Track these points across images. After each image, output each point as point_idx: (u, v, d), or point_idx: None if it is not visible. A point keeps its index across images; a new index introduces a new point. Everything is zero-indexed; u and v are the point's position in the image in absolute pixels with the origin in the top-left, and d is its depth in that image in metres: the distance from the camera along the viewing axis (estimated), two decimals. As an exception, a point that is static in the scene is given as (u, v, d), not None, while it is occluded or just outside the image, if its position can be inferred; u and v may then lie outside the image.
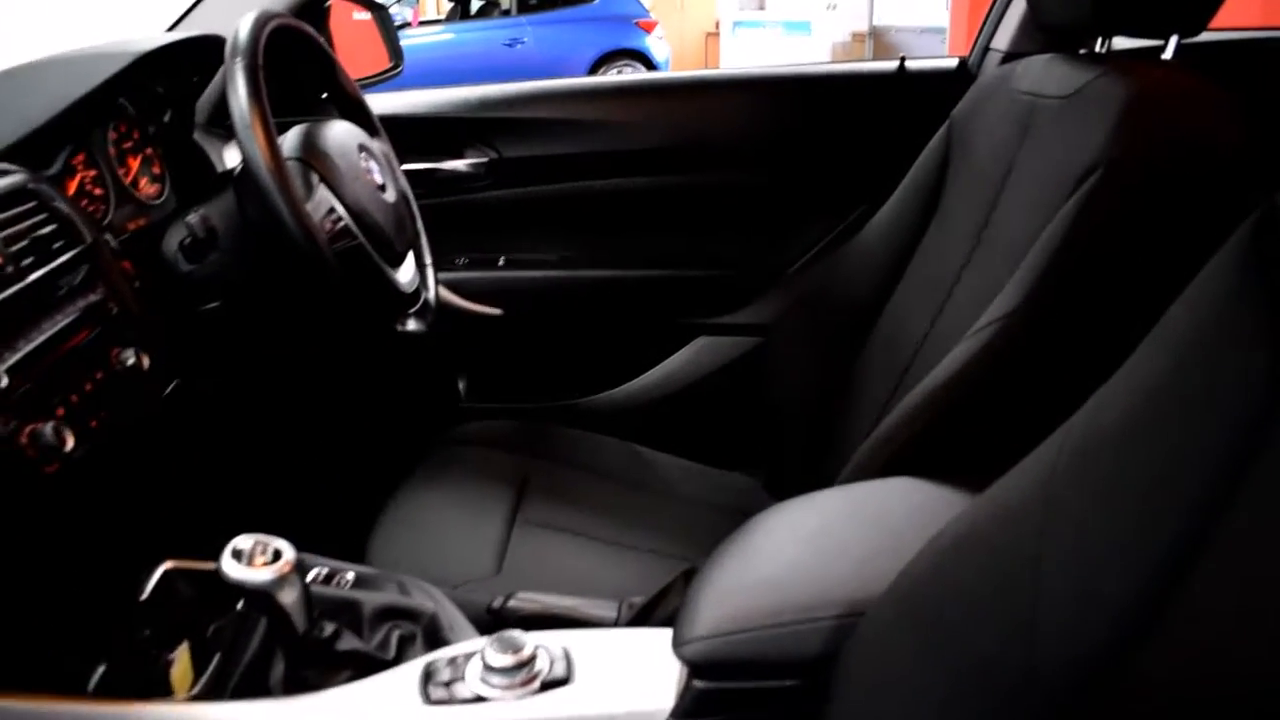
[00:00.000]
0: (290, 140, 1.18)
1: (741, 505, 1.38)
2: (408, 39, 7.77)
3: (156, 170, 1.27)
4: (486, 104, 1.77)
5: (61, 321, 0.95)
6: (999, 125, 1.21)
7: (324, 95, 1.40)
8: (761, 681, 0.75)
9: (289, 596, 0.80)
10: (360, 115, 1.37)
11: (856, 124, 1.73)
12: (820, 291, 1.52)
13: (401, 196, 1.34)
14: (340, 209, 1.17)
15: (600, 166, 1.76)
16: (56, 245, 0.98)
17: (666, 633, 0.79)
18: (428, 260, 1.41)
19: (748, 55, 10.68)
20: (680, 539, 1.30)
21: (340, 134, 1.25)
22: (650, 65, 9.35)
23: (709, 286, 1.77)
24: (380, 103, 1.68)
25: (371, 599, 0.91)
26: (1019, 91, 1.19)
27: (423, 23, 9.60)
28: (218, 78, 1.38)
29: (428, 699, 0.76)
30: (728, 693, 0.75)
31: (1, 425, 0.85)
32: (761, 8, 11.68)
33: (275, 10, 1.16)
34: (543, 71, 8.63)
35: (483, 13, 9.64)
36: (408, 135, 1.64)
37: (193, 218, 1.13)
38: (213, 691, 0.83)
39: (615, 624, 1.05)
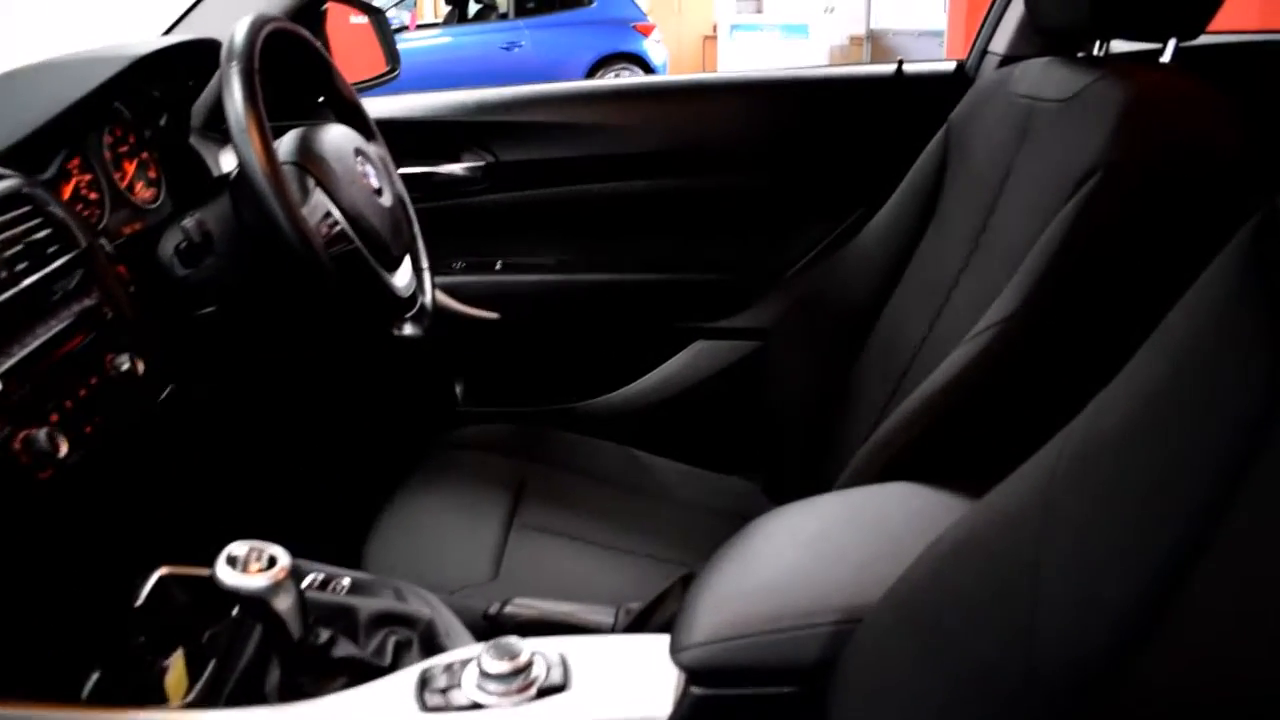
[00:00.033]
0: (286, 144, 1.18)
1: (740, 509, 1.38)
2: (404, 42, 7.79)
3: (152, 174, 1.26)
4: (483, 108, 1.77)
5: (56, 327, 0.94)
6: (997, 129, 1.21)
7: (320, 99, 1.40)
8: (760, 688, 0.75)
9: (284, 603, 0.80)
10: (356, 119, 1.37)
11: (854, 127, 1.72)
12: (818, 295, 1.52)
13: (398, 200, 1.34)
14: (336, 213, 1.16)
15: (598, 170, 1.75)
16: (51, 250, 0.97)
17: (664, 639, 0.78)
18: (424, 264, 1.40)
19: (745, 58, 10.70)
20: (678, 543, 1.30)
21: (336, 138, 1.24)
22: (648, 69, 9.35)
23: (707, 290, 1.77)
24: (377, 106, 1.68)
25: (367, 605, 0.91)
26: (1017, 95, 1.19)
27: (420, 26, 9.61)
28: (214, 82, 1.37)
29: (424, 706, 0.76)
30: (726, 699, 0.75)
31: None
32: (759, 11, 11.69)
33: (271, 14, 1.15)
34: (540, 75, 8.60)
35: (480, 16, 9.64)
36: (404, 139, 1.64)
37: (188, 222, 1.13)
38: (207, 699, 0.83)
39: (612, 630, 1.05)
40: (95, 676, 0.88)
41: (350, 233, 1.17)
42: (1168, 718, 0.42)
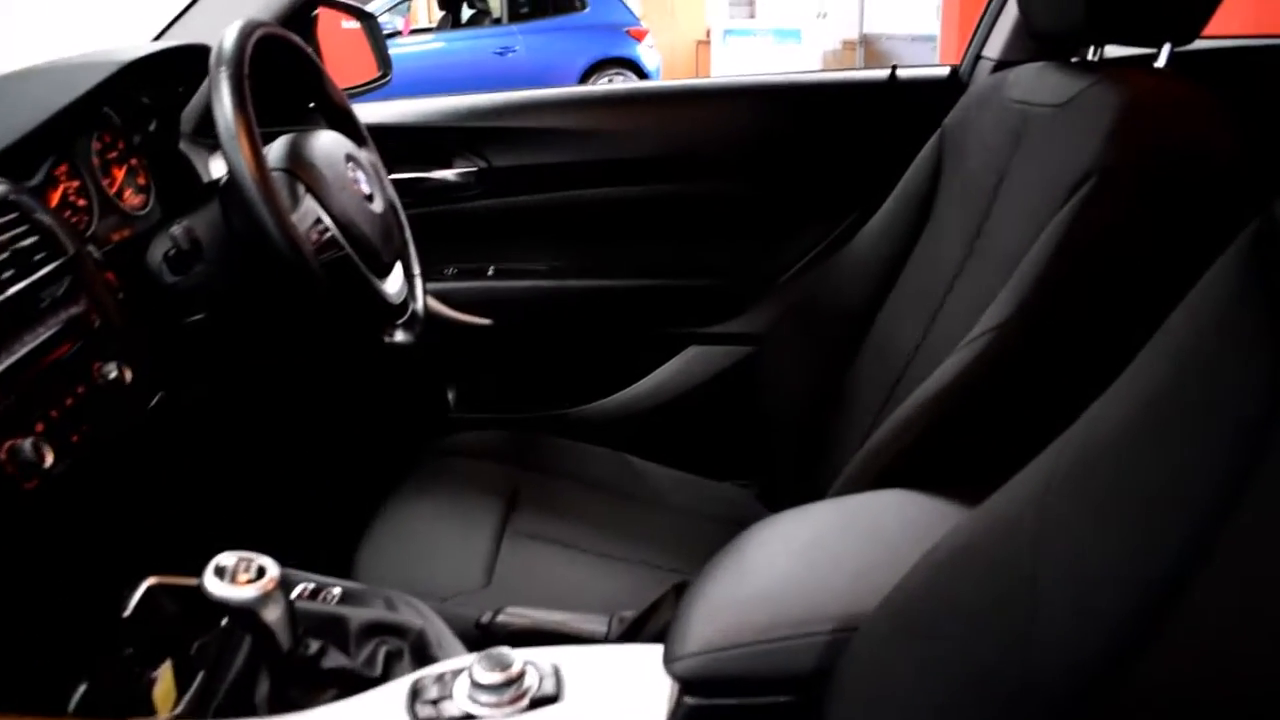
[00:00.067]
0: (276, 150, 1.17)
1: (734, 516, 1.38)
2: (398, 48, 7.80)
3: (141, 181, 1.26)
4: (476, 113, 1.76)
5: (43, 335, 0.93)
6: (991, 134, 1.21)
7: (311, 105, 1.39)
8: (754, 698, 0.74)
9: (273, 614, 0.79)
10: (347, 125, 1.36)
11: (848, 133, 1.72)
12: (812, 301, 1.51)
13: (389, 206, 1.33)
14: (326, 220, 1.16)
15: (591, 175, 1.75)
16: (38, 257, 0.97)
17: (657, 649, 0.78)
18: (416, 271, 1.40)
19: (739, 63, 10.72)
20: (672, 550, 1.29)
21: (327, 144, 1.24)
22: (641, 74, 9.36)
23: (700, 296, 1.77)
24: (369, 112, 1.68)
25: (358, 615, 0.90)
26: (1011, 100, 1.19)
27: (413, 31, 9.61)
28: (203, 87, 1.37)
29: (415, 717, 0.75)
30: (720, 709, 0.74)
31: None
32: (752, 16, 11.72)
33: (261, 19, 1.15)
34: (533, 80, 8.62)
35: (473, 21, 9.64)
36: (396, 144, 1.63)
37: (177, 229, 1.12)
38: (196, 711, 0.82)
39: (606, 639, 1.04)
40: (82, 688, 0.88)
41: (341, 239, 1.17)
42: (1168, 717, 0.42)
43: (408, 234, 1.40)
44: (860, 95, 1.74)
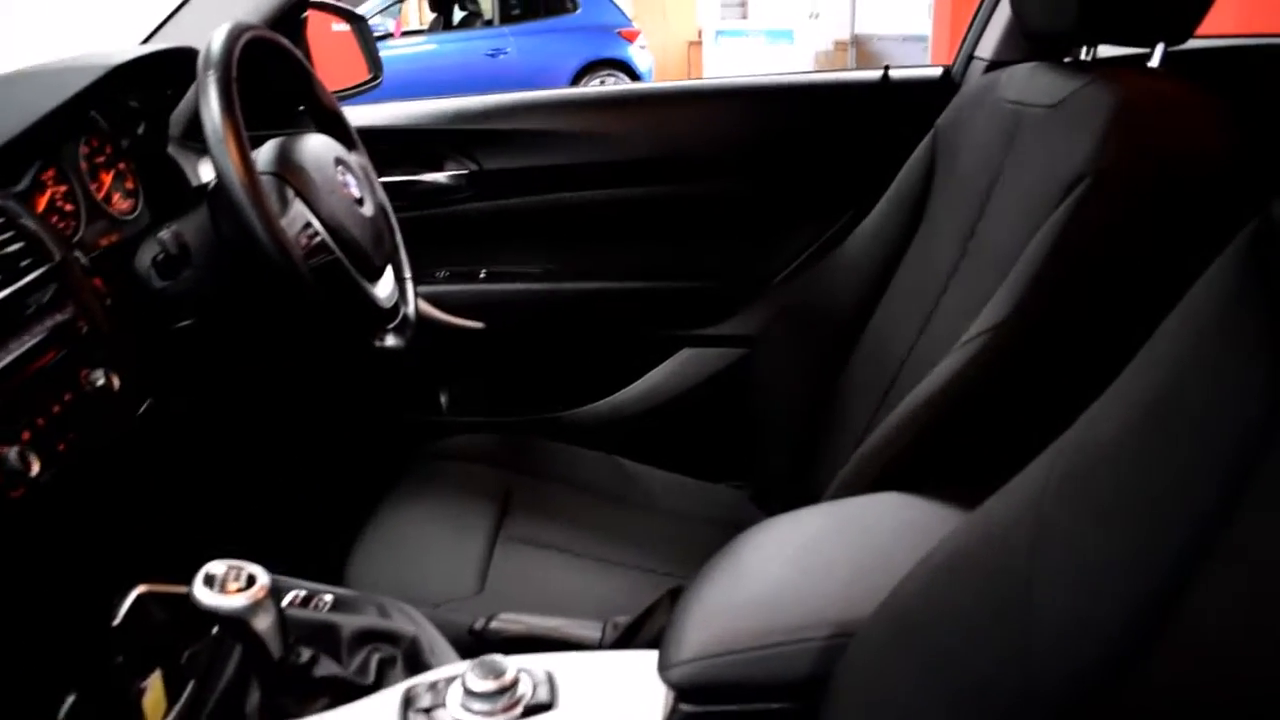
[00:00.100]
0: (265, 154, 1.16)
1: (729, 518, 1.37)
2: (389, 50, 7.78)
3: (130, 185, 1.25)
4: (467, 115, 1.76)
5: (29, 342, 0.92)
6: (984, 134, 1.21)
7: (300, 108, 1.39)
8: (750, 704, 0.74)
9: (263, 623, 0.78)
10: (337, 128, 1.36)
11: (841, 133, 1.72)
12: (806, 302, 1.51)
13: (380, 210, 1.32)
14: (316, 224, 1.15)
15: (583, 177, 1.74)
16: (24, 263, 0.96)
17: (652, 655, 0.77)
18: (407, 274, 1.39)
19: (731, 64, 10.71)
20: (666, 554, 1.29)
21: (316, 147, 1.23)
22: (633, 75, 9.37)
23: (693, 298, 1.76)
24: (359, 115, 1.67)
25: (350, 622, 0.89)
26: (1004, 100, 1.19)
27: (404, 33, 9.59)
28: (191, 91, 1.36)
29: (408, 726, 0.74)
30: (715, 716, 0.74)
31: None
32: (744, 17, 11.73)
33: (249, 22, 1.14)
34: (525, 82, 8.62)
35: (465, 23, 9.63)
36: (387, 147, 1.63)
37: (165, 234, 1.11)
38: (186, 721, 0.81)
39: (600, 645, 1.04)
40: (71, 699, 0.87)
41: (330, 243, 1.16)
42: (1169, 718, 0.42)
43: (398, 237, 1.40)
44: (853, 96, 1.74)
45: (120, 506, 1.15)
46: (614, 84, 8.44)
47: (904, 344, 1.22)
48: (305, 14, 1.56)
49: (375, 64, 1.74)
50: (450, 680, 0.77)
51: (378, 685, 0.85)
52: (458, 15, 9.66)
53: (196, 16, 1.38)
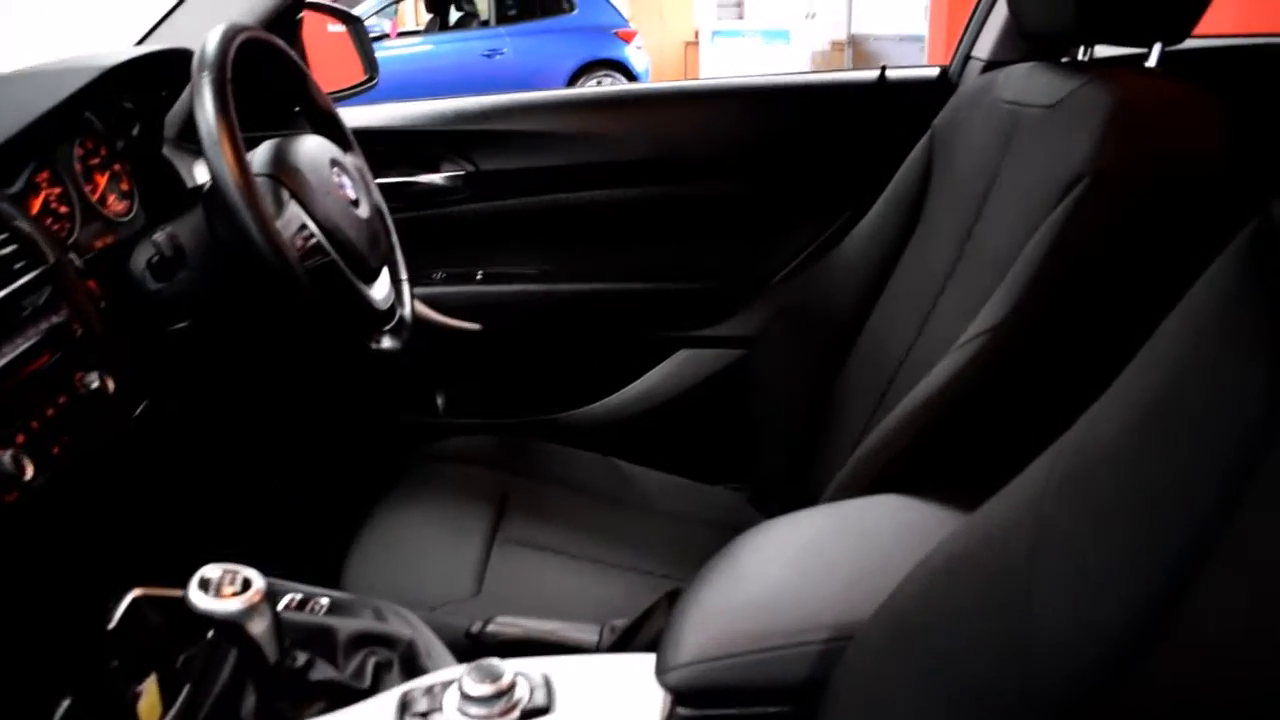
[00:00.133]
0: (260, 156, 1.16)
1: (727, 520, 1.37)
2: (385, 51, 7.79)
3: (125, 187, 1.24)
4: (463, 116, 1.76)
5: (23, 345, 0.92)
6: (981, 135, 1.20)
7: (295, 109, 1.38)
8: (748, 708, 0.74)
9: (259, 626, 0.78)
10: (333, 129, 1.35)
11: (838, 134, 1.72)
12: (803, 303, 1.51)
13: (375, 211, 1.32)
14: (311, 225, 1.15)
15: (580, 178, 1.74)
16: (18, 266, 0.95)
17: (649, 658, 0.77)
18: (403, 276, 1.39)
19: (727, 65, 10.72)
20: (664, 556, 1.28)
21: (311, 149, 1.23)
22: (630, 75, 9.37)
23: (691, 299, 1.76)
24: (355, 116, 1.66)
25: (346, 625, 0.89)
26: (1001, 101, 1.18)
27: (401, 34, 9.59)
28: (187, 92, 1.35)
29: (405, 730, 0.74)
30: None
31: None
32: (740, 17, 11.73)
33: (244, 23, 1.14)
34: (522, 83, 8.62)
35: (461, 24, 9.64)
36: (383, 149, 1.62)
37: (160, 235, 1.11)
38: (181, 725, 0.81)
39: (597, 648, 1.03)
40: (67, 702, 0.87)
41: (326, 245, 1.16)
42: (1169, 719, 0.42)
43: (394, 239, 1.39)
44: (849, 96, 1.74)
45: (115, 510, 1.14)
46: (610, 84, 8.45)
47: (902, 345, 1.22)
48: (301, 15, 1.55)
49: (371, 65, 1.74)
50: (447, 684, 0.76)
51: (374, 689, 0.85)
52: (454, 16, 9.66)
53: (191, 18, 1.37)
